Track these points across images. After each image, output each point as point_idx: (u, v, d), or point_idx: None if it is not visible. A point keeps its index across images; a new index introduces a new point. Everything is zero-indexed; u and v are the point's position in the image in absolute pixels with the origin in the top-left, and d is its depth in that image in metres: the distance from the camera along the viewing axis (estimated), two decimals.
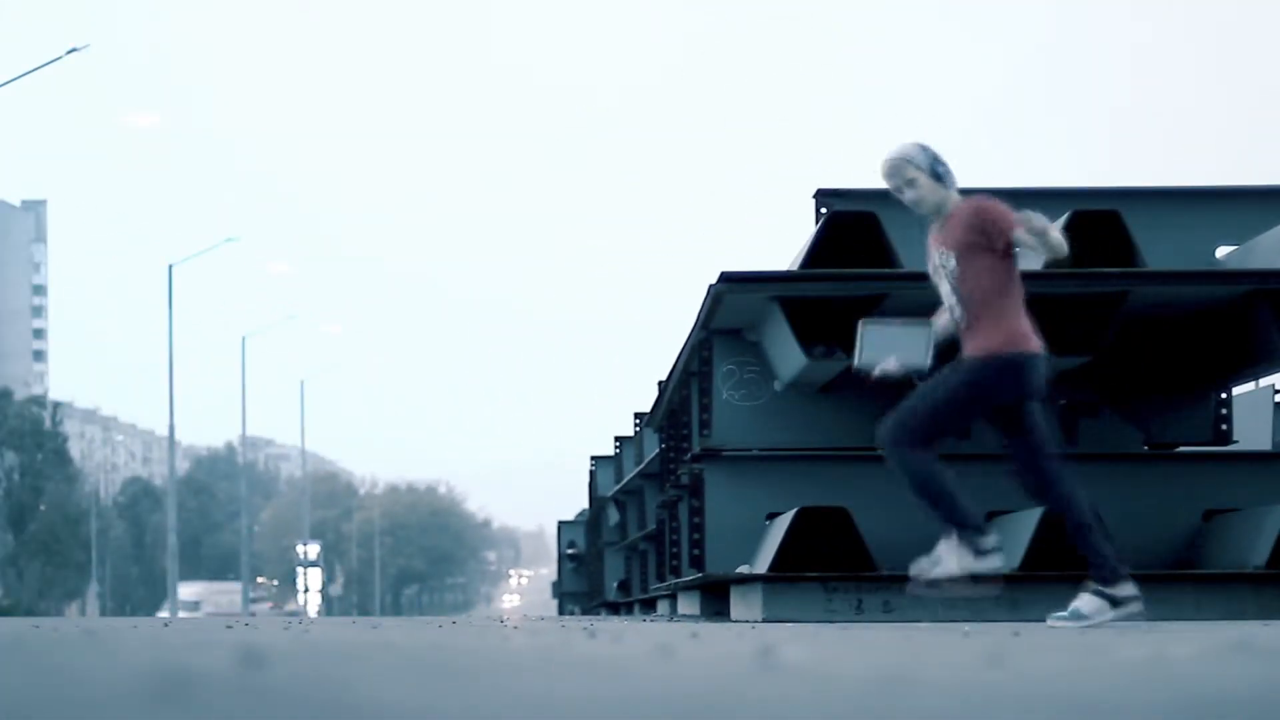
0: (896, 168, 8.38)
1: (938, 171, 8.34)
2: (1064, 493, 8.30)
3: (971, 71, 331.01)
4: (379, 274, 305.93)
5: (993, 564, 8.44)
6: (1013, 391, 8.25)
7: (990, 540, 8.44)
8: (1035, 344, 8.23)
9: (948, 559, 8.41)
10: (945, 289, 8.39)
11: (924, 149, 8.40)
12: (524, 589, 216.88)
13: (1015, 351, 8.18)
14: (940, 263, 8.38)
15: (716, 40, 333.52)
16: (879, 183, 8.65)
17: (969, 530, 8.44)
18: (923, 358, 8.50)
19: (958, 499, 8.42)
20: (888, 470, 8.51)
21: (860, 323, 8.67)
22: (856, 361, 8.61)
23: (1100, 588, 8.34)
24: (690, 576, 12.67)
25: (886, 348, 8.56)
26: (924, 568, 8.45)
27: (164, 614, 71.26)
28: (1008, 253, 8.24)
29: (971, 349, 8.26)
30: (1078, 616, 8.30)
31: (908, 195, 8.42)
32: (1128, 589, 8.37)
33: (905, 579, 9.05)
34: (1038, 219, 8.12)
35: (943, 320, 8.62)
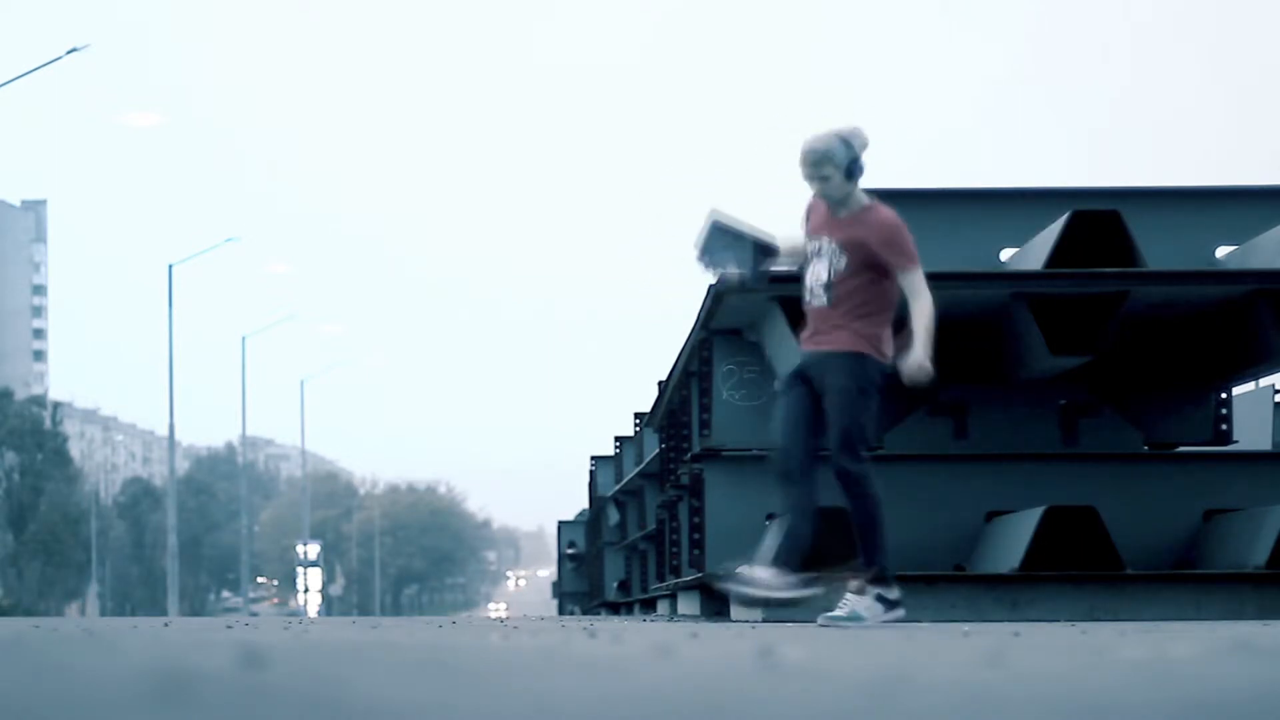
0: (816, 162, 8.29)
1: (852, 170, 8.29)
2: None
3: (971, 69, 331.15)
4: (379, 274, 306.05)
5: (900, 614, 8.46)
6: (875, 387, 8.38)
7: (896, 588, 8.45)
8: (889, 354, 8.34)
9: (865, 614, 8.38)
10: (819, 271, 8.38)
11: (847, 146, 8.28)
12: (517, 594, 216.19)
13: (875, 356, 8.28)
14: (826, 250, 8.37)
15: (715, 39, 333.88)
16: (882, 183, 8.64)
17: (884, 574, 8.43)
18: (750, 271, 8.59)
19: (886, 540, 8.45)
20: (885, 470, 8.49)
21: (711, 214, 8.65)
22: (699, 253, 8.60)
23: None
24: (690, 576, 12.67)
25: (725, 250, 8.57)
26: (834, 616, 8.42)
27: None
28: (890, 275, 8.32)
29: (834, 344, 8.31)
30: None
31: (817, 186, 8.37)
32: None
33: (905, 579, 9.05)
34: (926, 304, 8.20)
35: (788, 247, 8.62)
